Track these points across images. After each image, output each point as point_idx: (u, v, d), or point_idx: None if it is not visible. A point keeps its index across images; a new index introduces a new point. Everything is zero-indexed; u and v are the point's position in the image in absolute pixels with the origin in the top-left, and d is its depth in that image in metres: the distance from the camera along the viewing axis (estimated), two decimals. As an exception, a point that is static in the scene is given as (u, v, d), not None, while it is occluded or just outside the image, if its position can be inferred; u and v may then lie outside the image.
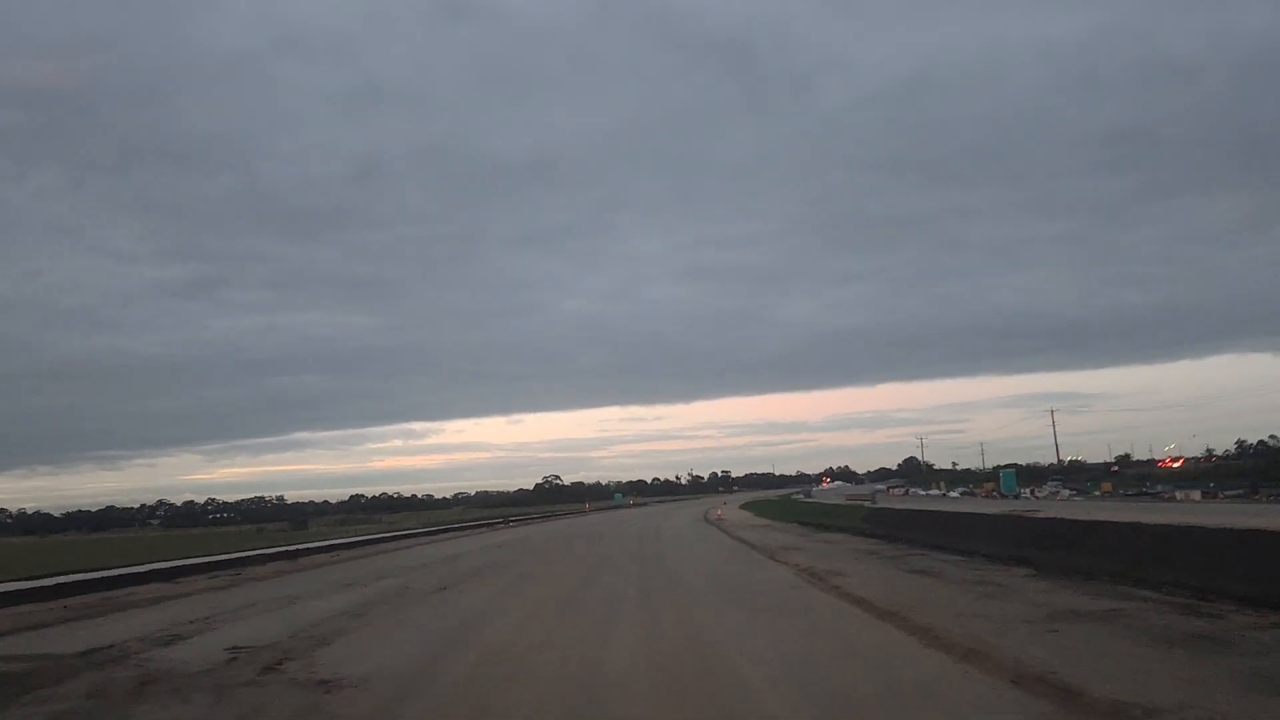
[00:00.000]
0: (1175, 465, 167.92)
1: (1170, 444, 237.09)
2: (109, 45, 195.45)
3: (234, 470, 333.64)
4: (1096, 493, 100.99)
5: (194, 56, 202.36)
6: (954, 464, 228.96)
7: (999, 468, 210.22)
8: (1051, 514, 37.17)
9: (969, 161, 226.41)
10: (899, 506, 53.05)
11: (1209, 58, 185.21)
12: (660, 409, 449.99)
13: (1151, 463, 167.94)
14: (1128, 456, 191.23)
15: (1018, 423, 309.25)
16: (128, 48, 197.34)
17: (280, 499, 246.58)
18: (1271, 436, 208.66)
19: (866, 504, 65.93)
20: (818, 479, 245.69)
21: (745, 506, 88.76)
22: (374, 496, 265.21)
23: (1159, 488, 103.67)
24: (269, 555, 30.37)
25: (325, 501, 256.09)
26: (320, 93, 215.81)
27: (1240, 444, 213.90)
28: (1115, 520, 24.44)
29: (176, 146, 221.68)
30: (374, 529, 78.32)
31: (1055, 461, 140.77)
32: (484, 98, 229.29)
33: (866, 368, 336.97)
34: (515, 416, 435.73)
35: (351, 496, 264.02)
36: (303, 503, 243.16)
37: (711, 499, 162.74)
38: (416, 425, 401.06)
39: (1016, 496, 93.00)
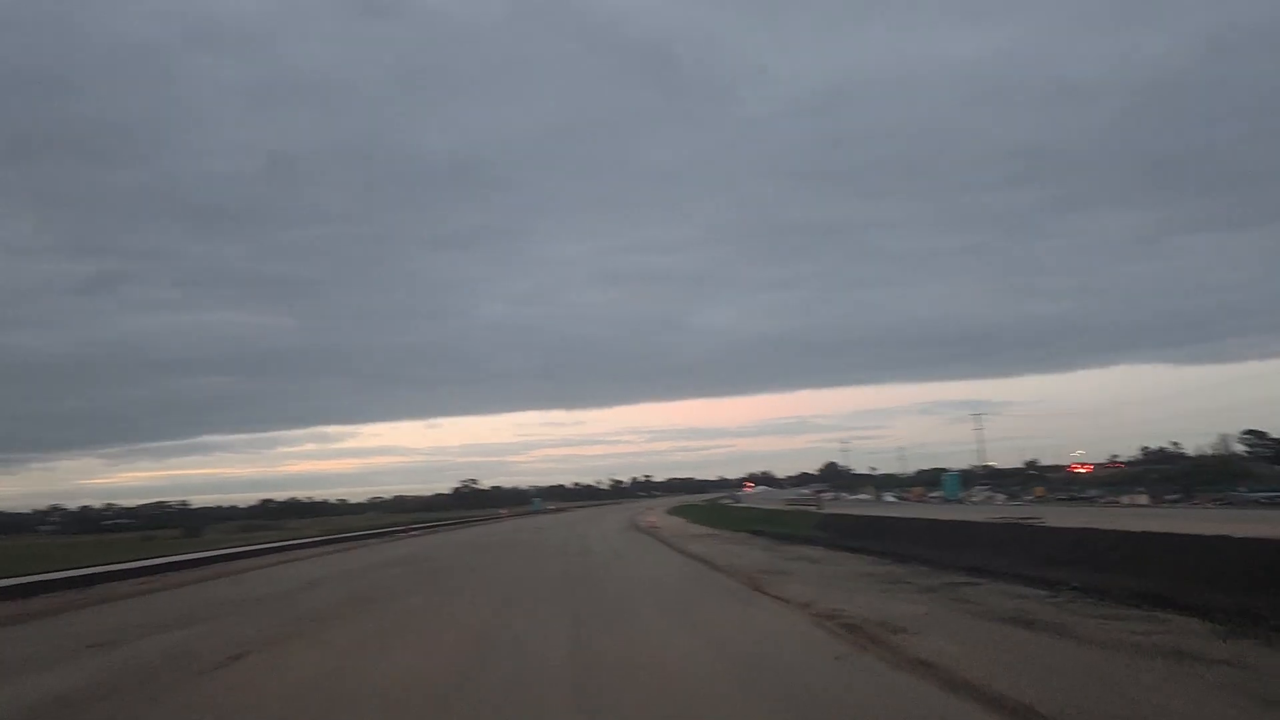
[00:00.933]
0: (1084, 470, 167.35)
1: (1078, 450, 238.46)
2: (3, 30, 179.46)
3: (138, 474, 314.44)
4: (1028, 497, 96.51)
5: (97, 45, 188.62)
6: (872, 469, 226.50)
7: (922, 472, 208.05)
8: (1055, 522, 30.45)
9: (886, 173, 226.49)
10: (856, 513, 46.03)
11: (1109, 80, 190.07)
12: (581, 413, 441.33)
13: (1060, 468, 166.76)
14: (1035, 462, 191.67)
15: (933, 429, 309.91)
16: (24, 33, 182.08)
17: (184, 504, 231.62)
18: (1173, 443, 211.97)
19: (813, 509, 59.11)
20: (739, 484, 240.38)
21: (675, 512, 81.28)
22: (283, 501, 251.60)
23: (1090, 492, 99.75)
24: (56, 582, 21.53)
25: (233, 507, 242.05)
26: (232, 86, 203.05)
27: (1145, 450, 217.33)
28: (1177, 532, 17.84)
29: (78, 137, 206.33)
30: (273, 537, 69.48)
31: (978, 466, 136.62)
32: (404, 97, 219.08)
33: (787, 374, 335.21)
34: (433, 420, 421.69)
35: (261, 501, 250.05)
36: (208, 508, 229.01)
37: (635, 504, 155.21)
38: (331, 429, 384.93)
39: (960, 501, 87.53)
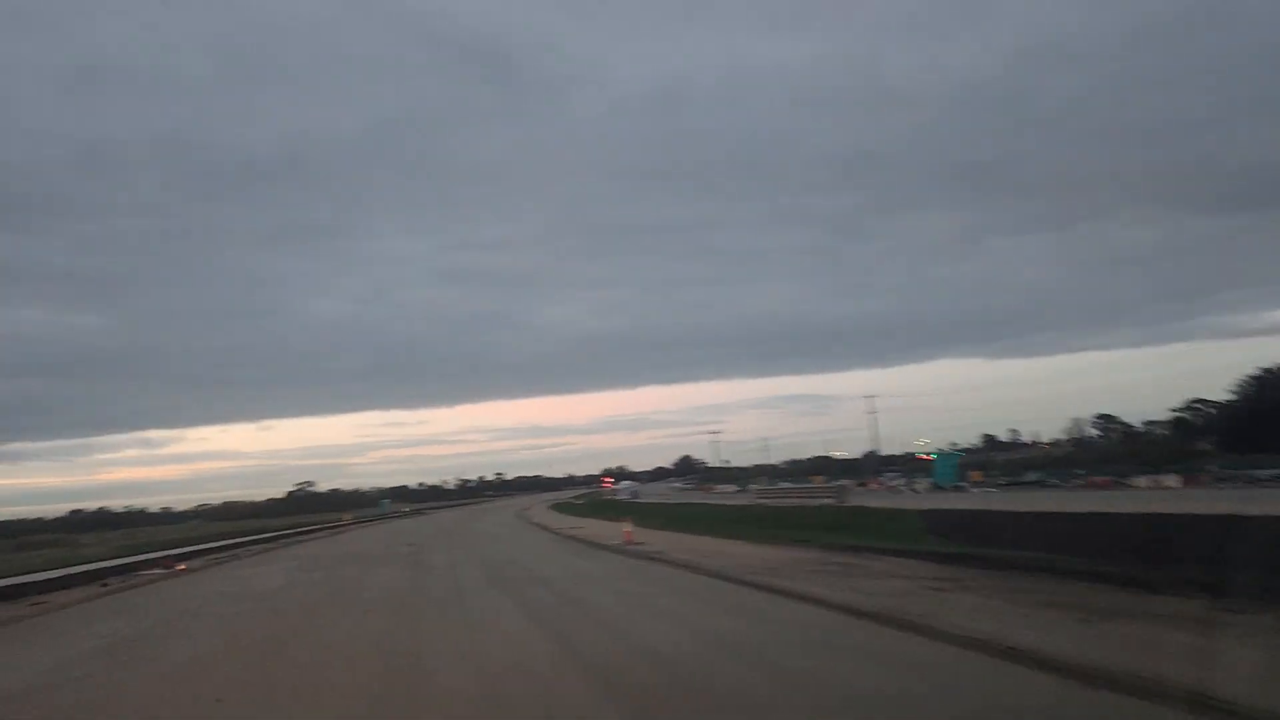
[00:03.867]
0: (928, 458, 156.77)
1: (922, 439, 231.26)
2: None
3: None
4: (963, 484, 78.93)
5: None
6: (726, 461, 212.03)
7: (795, 462, 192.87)
8: None
9: (719, 174, 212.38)
10: (1029, 509, 24.05)
11: (926, 87, 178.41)
12: (423, 413, 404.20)
13: (907, 456, 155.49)
14: (874, 452, 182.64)
15: (773, 423, 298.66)
16: None
17: None
18: (1011, 430, 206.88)
19: (829, 502, 37.60)
20: (594, 481, 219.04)
21: (578, 512, 58.09)
22: (93, 511, 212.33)
23: (1030, 475, 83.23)
24: None
25: (38, 519, 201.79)
26: (37, 70, 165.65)
27: (985, 438, 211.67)
28: None
29: None
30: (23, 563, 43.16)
31: (871, 454, 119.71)
32: (229, 87, 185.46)
33: (627, 371, 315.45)
34: (266, 423, 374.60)
35: (71, 511, 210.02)
36: (6, 521, 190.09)
37: (501, 504, 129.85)
38: (155, 434, 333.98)
39: (957, 488, 67.77)
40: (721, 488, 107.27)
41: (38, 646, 13.51)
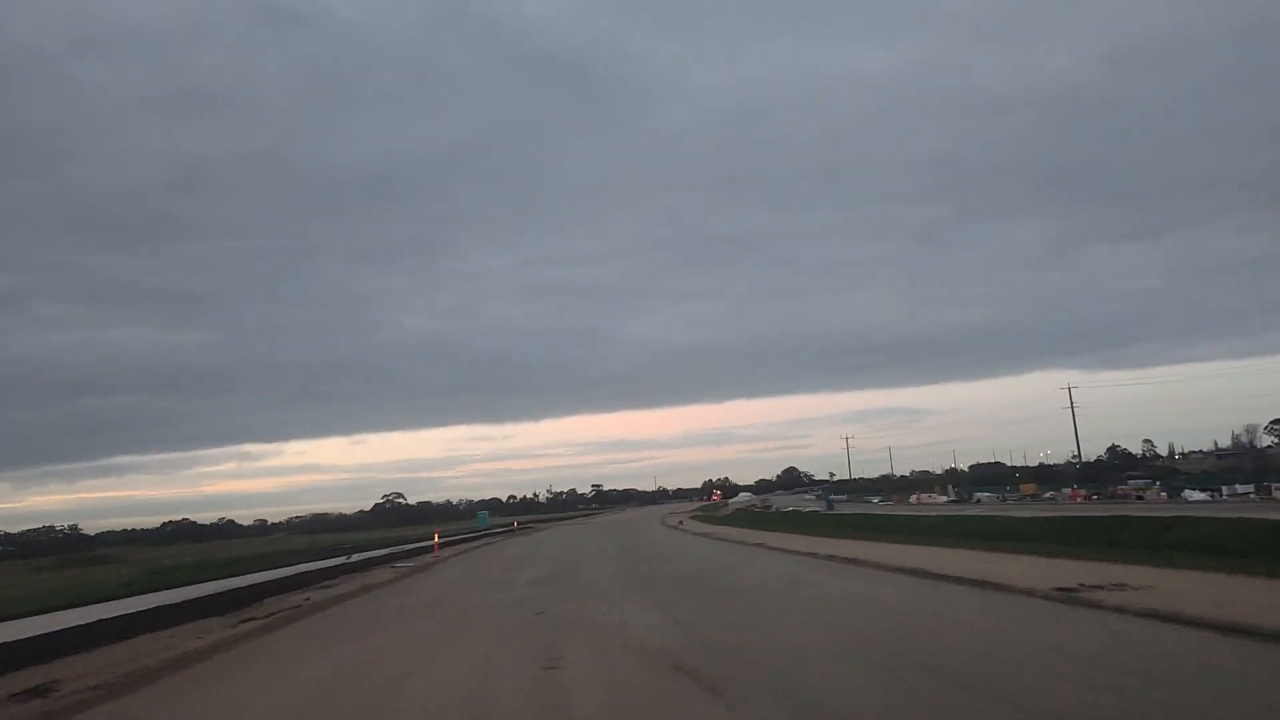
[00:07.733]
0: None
1: (1044, 450, 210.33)
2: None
3: (47, 498, 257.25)
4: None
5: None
6: (831, 474, 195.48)
7: (915, 473, 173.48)
8: None
9: (802, 185, 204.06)
10: None
11: (1016, 94, 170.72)
12: (509, 427, 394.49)
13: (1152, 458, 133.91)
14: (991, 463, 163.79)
15: (860, 436, 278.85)
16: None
17: (74, 528, 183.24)
18: (1146, 441, 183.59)
19: None
20: (691, 494, 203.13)
21: (783, 526, 41.06)
22: (180, 523, 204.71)
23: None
24: None
25: (133, 530, 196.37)
26: (133, 96, 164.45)
27: (1112, 449, 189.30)
28: None
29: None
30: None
31: (1075, 457, 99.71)
32: (315, 108, 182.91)
33: (713, 385, 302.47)
34: (357, 437, 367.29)
35: (164, 524, 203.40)
36: (107, 532, 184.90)
37: (610, 515, 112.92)
38: (252, 447, 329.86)
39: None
40: (923, 497, 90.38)
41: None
